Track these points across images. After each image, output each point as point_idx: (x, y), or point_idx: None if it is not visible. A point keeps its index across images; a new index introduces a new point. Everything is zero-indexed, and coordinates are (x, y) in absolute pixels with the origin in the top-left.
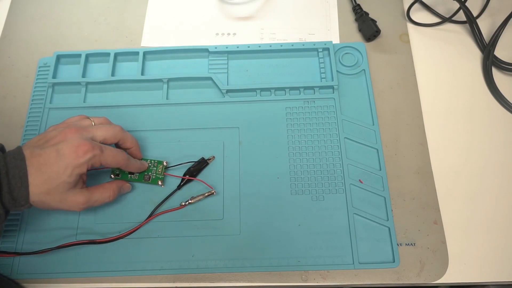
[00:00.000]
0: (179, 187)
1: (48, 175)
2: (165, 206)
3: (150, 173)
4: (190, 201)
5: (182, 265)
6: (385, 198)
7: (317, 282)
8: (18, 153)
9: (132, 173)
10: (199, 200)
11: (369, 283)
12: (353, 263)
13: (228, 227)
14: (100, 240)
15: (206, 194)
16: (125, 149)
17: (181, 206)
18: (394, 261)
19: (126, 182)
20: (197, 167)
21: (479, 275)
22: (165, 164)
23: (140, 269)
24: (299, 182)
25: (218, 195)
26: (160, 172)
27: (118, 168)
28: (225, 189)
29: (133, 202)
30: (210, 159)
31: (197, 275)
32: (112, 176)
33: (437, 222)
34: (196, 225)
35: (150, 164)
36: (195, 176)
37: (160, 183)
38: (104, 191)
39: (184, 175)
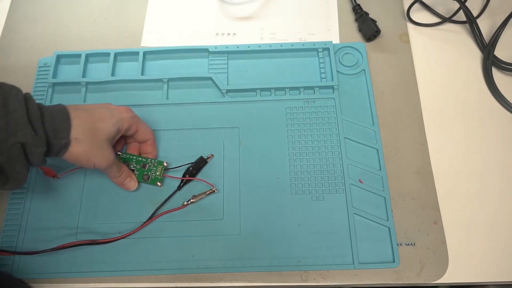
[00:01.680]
0: (179, 187)
1: (93, 117)
2: (165, 206)
3: (149, 173)
4: (192, 200)
5: (182, 265)
6: (385, 198)
7: (317, 282)
8: (59, 104)
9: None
10: (201, 198)
11: (369, 283)
12: (353, 263)
13: (228, 227)
14: (101, 240)
15: (208, 192)
16: (141, 142)
17: (183, 206)
18: (394, 261)
19: (134, 179)
20: (196, 166)
21: (479, 275)
22: (165, 164)
23: (140, 269)
24: (299, 182)
25: (218, 195)
26: (159, 174)
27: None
28: (225, 189)
29: (133, 202)
30: (209, 157)
31: (197, 275)
32: None
33: (437, 222)
34: (196, 225)
35: (150, 164)
36: (194, 175)
37: (159, 184)
38: (121, 167)
39: (184, 175)
